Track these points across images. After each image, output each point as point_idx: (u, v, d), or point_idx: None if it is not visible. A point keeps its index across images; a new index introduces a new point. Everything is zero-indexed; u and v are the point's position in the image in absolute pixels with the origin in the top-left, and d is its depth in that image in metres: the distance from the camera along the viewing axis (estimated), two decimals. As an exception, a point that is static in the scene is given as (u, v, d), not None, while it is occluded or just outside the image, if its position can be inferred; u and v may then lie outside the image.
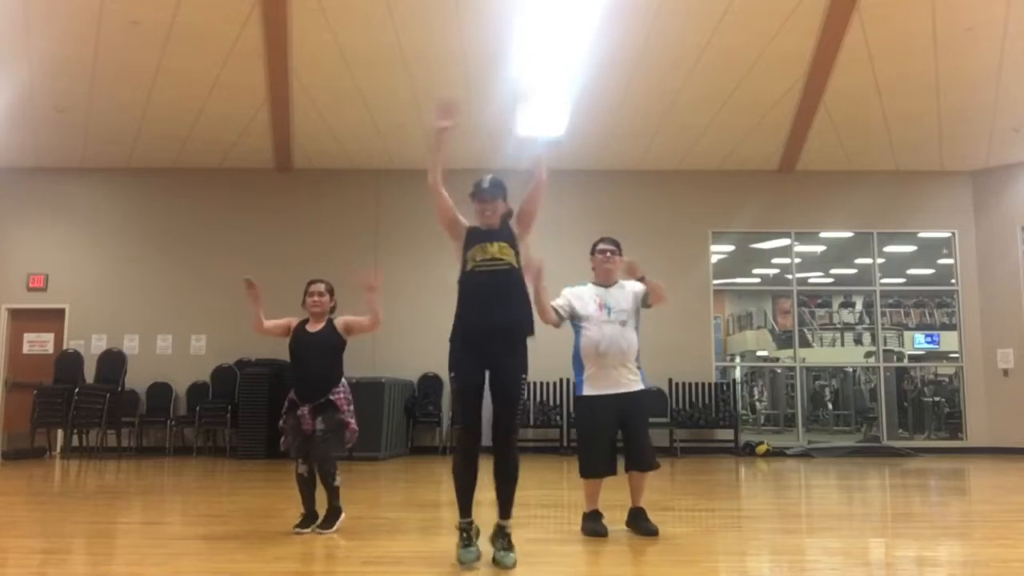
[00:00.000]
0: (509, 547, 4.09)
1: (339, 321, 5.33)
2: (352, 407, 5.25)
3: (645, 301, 5.18)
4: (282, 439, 5.27)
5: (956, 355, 12.72)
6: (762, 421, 15.53)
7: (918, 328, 15.42)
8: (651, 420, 11.62)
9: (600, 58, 9.80)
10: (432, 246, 11.97)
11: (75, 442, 11.16)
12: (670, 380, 11.79)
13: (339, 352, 5.29)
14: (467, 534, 4.13)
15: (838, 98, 10.53)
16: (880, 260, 12.77)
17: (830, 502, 7.42)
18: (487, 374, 4.22)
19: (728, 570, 4.40)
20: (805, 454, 11.46)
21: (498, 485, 4.21)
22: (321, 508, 5.17)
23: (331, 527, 5.05)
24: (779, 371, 15.26)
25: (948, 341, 13.83)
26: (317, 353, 5.21)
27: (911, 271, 14.43)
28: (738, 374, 15.33)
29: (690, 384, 11.86)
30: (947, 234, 12.69)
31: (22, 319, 12.20)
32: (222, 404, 11.32)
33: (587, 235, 13.44)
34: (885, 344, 13.22)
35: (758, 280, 15.14)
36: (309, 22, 9.24)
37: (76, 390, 11.07)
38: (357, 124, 11.16)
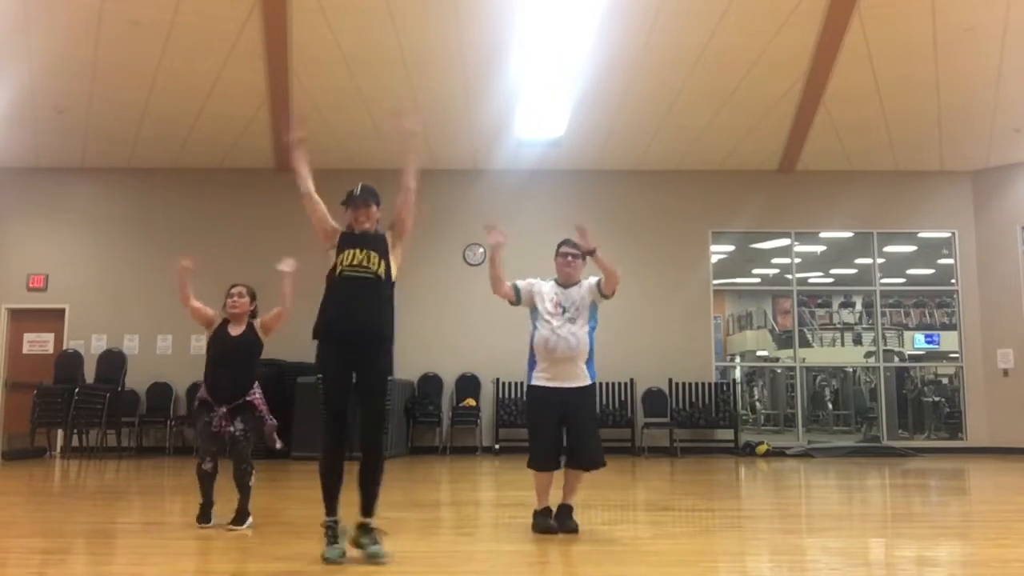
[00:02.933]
0: (376, 541, 4.15)
1: (257, 323, 5.43)
2: (266, 407, 5.39)
3: (601, 292, 5.17)
4: (188, 429, 5.45)
5: (956, 355, 12.72)
6: (762, 421, 15.53)
7: (918, 328, 15.42)
8: (651, 420, 11.73)
9: (600, 58, 9.81)
10: (430, 246, 12.00)
11: (75, 442, 11.15)
12: (670, 380, 11.79)
13: (258, 355, 5.42)
14: (332, 532, 4.17)
15: (838, 98, 10.53)
16: (880, 260, 12.77)
17: (830, 502, 7.42)
18: (353, 376, 4.27)
19: (728, 570, 4.40)
20: (805, 454, 11.46)
21: (362, 486, 4.26)
22: (219, 499, 5.24)
23: (240, 525, 5.11)
24: (779, 371, 15.26)
25: (948, 341, 13.83)
26: (238, 358, 5.31)
27: (911, 271, 14.42)
28: (738, 374, 15.33)
29: (690, 384, 11.86)
30: (947, 234, 12.68)
31: (22, 319, 12.20)
32: (222, 404, 11.30)
33: (588, 236, 13.36)
34: (885, 344, 13.22)
35: (758, 280, 15.14)
36: (309, 22, 9.25)
37: (76, 390, 11.06)
38: (357, 124, 11.17)
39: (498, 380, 11.67)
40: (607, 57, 9.79)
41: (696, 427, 11.75)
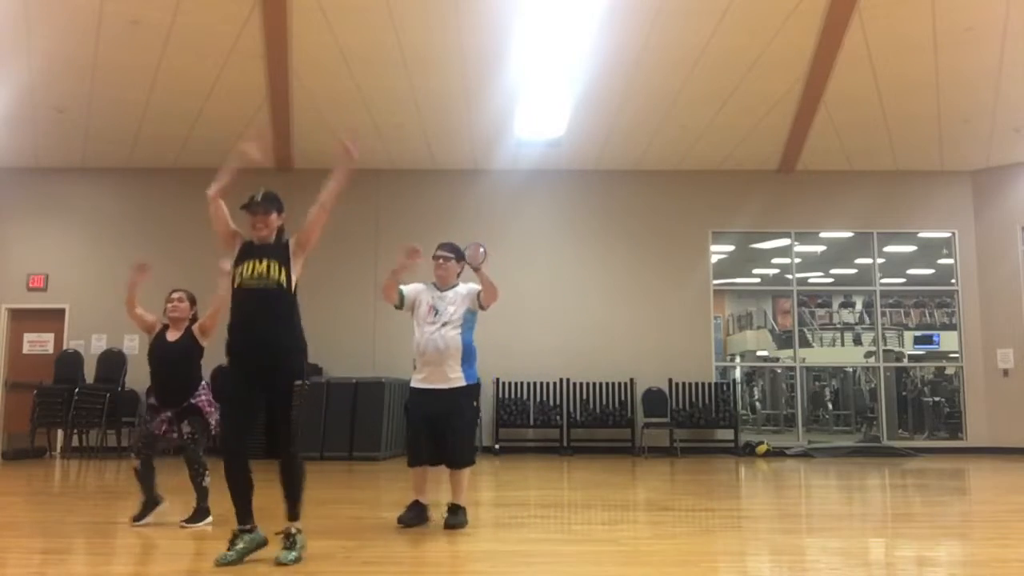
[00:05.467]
0: (291, 547, 4.18)
1: (195, 327, 5.49)
2: (214, 407, 5.45)
3: (480, 303, 5.35)
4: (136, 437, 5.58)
5: (956, 355, 12.73)
6: (762, 421, 15.52)
7: (918, 328, 15.41)
8: (651, 420, 11.75)
9: (600, 58, 9.81)
10: (431, 246, 11.98)
11: (75, 442, 11.15)
12: (670, 380, 11.79)
13: (197, 360, 5.47)
14: (234, 539, 4.19)
15: (838, 98, 10.53)
16: (880, 260, 12.76)
17: (830, 502, 7.42)
18: (262, 389, 4.27)
19: (728, 570, 4.40)
20: (805, 454, 11.46)
21: (283, 490, 4.30)
22: (171, 496, 5.43)
23: (197, 522, 5.25)
24: (779, 371, 15.25)
25: (948, 341, 13.83)
26: (176, 363, 5.39)
27: (911, 271, 14.42)
28: (738, 374, 15.33)
29: (690, 384, 11.86)
30: (947, 234, 12.69)
31: (22, 319, 12.20)
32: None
33: (587, 236, 13.41)
34: (885, 344, 13.22)
35: (758, 280, 15.14)
36: (309, 22, 9.24)
37: (76, 390, 11.07)
38: (357, 124, 11.15)
39: (498, 380, 11.67)
40: (607, 57, 9.79)
41: (696, 427, 11.75)
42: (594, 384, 11.77)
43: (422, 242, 5.63)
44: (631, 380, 11.77)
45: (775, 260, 13.84)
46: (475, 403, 5.50)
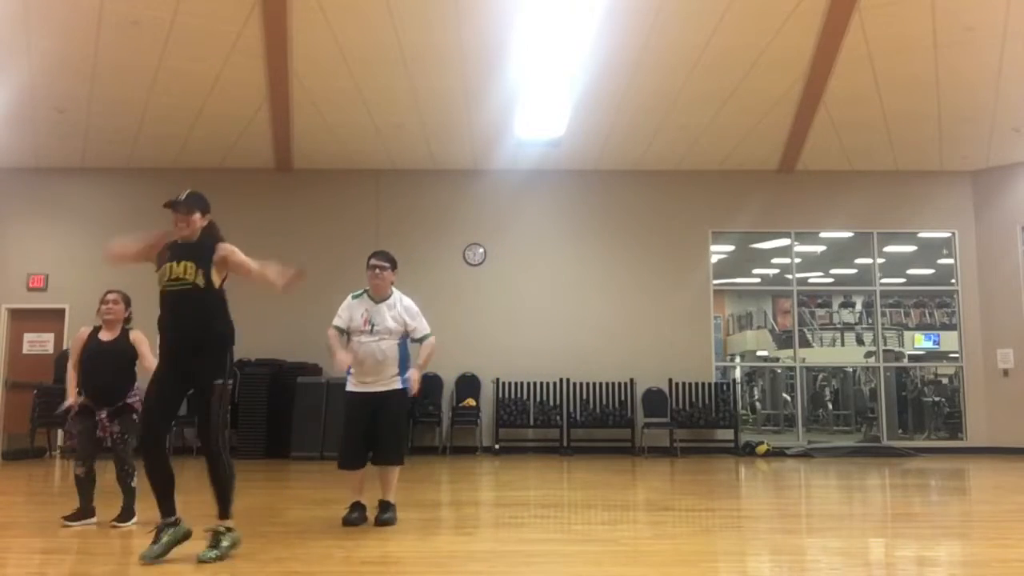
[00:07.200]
0: (213, 545, 4.24)
1: (133, 334, 5.56)
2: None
3: (412, 338, 5.53)
4: (65, 437, 5.57)
5: (956, 355, 12.73)
6: (762, 421, 15.52)
7: (918, 328, 15.41)
8: (651, 420, 11.75)
9: (600, 58, 9.80)
10: (431, 246, 12.01)
11: (75, 442, 11.15)
12: (670, 380, 11.79)
13: (132, 361, 5.52)
14: (158, 532, 4.28)
15: (838, 98, 10.53)
16: (880, 260, 12.76)
17: (830, 502, 7.42)
18: (186, 384, 4.41)
19: (728, 570, 4.40)
20: (805, 454, 11.46)
21: (211, 487, 4.37)
22: (100, 505, 5.48)
23: (127, 522, 5.34)
24: (779, 371, 15.25)
25: (948, 341, 13.83)
26: (111, 363, 5.45)
27: (911, 271, 14.42)
28: (738, 374, 15.32)
29: (690, 384, 11.86)
30: (947, 234, 12.69)
31: (22, 319, 12.20)
32: (222, 404, 11.28)
33: (587, 236, 13.40)
34: (885, 344, 13.21)
35: (758, 280, 15.14)
36: (309, 22, 9.25)
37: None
38: (357, 124, 11.16)
39: (498, 380, 11.67)
40: (607, 57, 9.79)
41: (696, 427, 11.75)
42: (594, 384, 11.77)
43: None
44: (631, 380, 11.77)
45: (775, 260, 13.84)
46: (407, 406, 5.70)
